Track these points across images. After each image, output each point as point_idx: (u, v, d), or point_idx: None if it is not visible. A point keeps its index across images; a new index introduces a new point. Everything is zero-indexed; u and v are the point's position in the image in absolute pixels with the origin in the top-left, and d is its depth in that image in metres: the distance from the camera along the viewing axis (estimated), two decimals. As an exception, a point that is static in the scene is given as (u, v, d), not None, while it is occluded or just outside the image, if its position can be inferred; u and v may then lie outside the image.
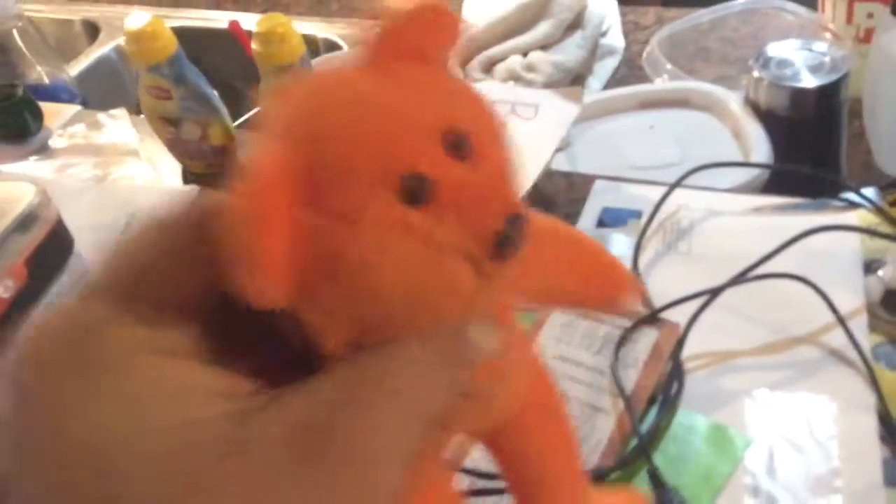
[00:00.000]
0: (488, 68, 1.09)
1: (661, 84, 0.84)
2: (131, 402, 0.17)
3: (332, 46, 1.25)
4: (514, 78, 1.03)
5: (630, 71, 1.06)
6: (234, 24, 0.75)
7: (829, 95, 0.72)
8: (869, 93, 0.82)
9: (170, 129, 0.70)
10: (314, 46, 1.30)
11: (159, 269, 0.19)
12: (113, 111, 0.81)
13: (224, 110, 0.71)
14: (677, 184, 0.61)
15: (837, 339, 0.51)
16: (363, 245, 0.18)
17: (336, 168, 0.18)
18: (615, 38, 1.15)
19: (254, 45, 0.62)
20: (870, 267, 0.54)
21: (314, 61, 0.95)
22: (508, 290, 0.22)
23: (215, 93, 0.71)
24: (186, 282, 0.19)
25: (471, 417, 0.24)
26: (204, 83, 0.69)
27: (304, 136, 0.18)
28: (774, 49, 0.74)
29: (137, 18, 0.65)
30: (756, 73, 0.73)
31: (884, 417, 0.47)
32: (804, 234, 0.52)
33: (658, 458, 0.46)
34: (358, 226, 0.18)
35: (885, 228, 0.56)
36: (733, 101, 0.75)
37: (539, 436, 0.27)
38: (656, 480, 0.45)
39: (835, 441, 0.46)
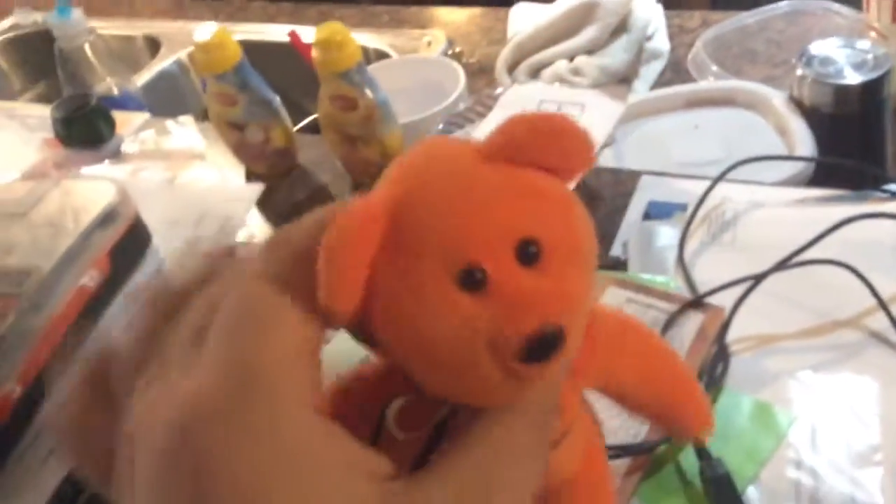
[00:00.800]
0: (535, 73, 1.11)
1: (705, 83, 0.86)
2: (287, 464, 0.20)
3: (381, 55, 1.30)
4: (561, 81, 1.06)
5: (676, 74, 1.08)
6: (293, 34, 0.79)
7: (872, 92, 0.73)
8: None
9: (235, 133, 0.75)
10: (365, 56, 1.34)
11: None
12: (181, 118, 0.86)
13: (285, 114, 0.75)
14: (721, 177, 0.63)
15: (879, 322, 0.52)
16: (416, 306, 0.21)
17: (418, 238, 0.21)
18: (661, 42, 1.17)
19: (314, 53, 0.66)
20: (912, 254, 0.56)
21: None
22: (577, 381, 0.26)
23: (277, 98, 0.75)
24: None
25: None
26: (266, 89, 0.73)
27: (408, 200, 0.22)
28: (818, 47, 0.76)
29: (204, 30, 0.69)
30: (800, 71, 0.75)
31: (925, 396, 0.48)
32: (845, 222, 0.54)
33: (704, 435, 0.48)
34: (417, 289, 0.21)
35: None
36: (777, 98, 0.77)
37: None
38: (701, 451, 0.47)
39: (876, 418, 0.47)
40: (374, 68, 0.94)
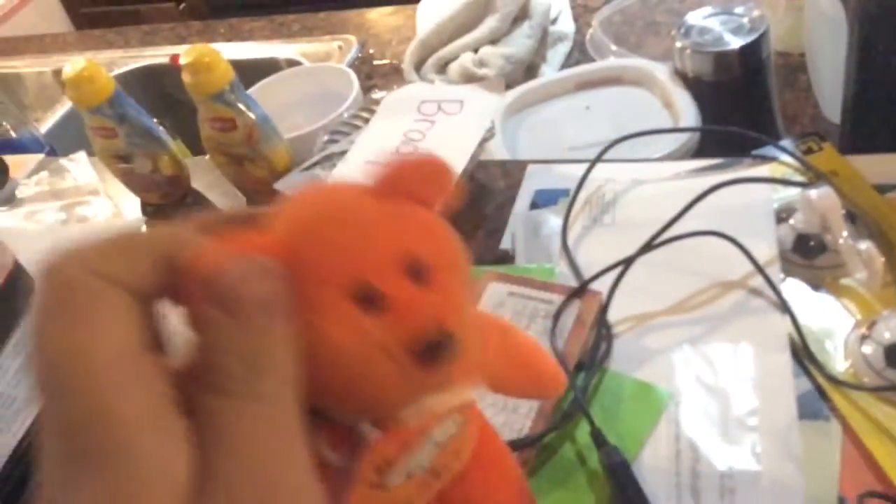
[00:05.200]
0: (442, 68, 1.11)
1: (593, 64, 0.86)
2: None
3: (294, 65, 1.29)
4: (467, 75, 1.05)
5: (583, 55, 1.08)
6: (174, 58, 0.78)
7: (750, 55, 0.74)
8: (809, 47, 0.84)
9: (122, 165, 0.73)
10: (277, 67, 1.34)
11: None
12: (73, 155, 0.84)
13: (170, 141, 0.74)
14: (598, 158, 0.63)
15: (755, 287, 0.53)
16: (316, 330, 0.23)
17: (311, 267, 0.23)
18: (565, 24, 1.17)
19: (184, 77, 0.65)
20: (783, 216, 0.56)
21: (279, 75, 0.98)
22: (463, 378, 0.29)
23: (159, 126, 0.74)
24: None
25: (433, 489, 0.31)
26: (146, 118, 0.72)
27: (299, 236, 0.24)
28: (694, 17, 0.76)
29: (74, 64, 0.68)
30: (679, 43, 0.75)
31: (799, 353, 0.49)
32: (710, 191, 0.54)
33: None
34: (316, 315, 0.23)
35: (799, 177, 0.58)
36: (661, 72, 0.77)
37: (482, 483, 0.34)
38: (598, 438, 0.47)
39: (751, 383, 0.48)
40: (269, 82, 0.93)
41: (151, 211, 0.77)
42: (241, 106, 0.67)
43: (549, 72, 1.08)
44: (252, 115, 0.68)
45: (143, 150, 0.72)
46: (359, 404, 0.25)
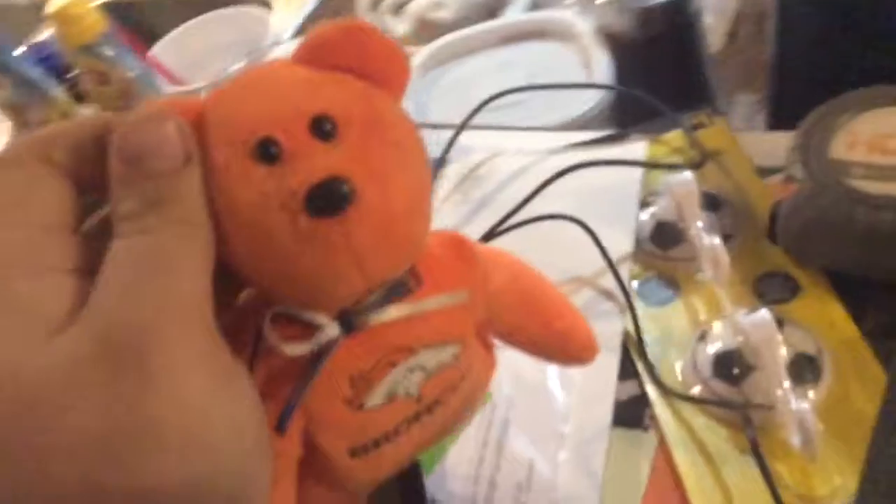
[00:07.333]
0: (397, 10, 1.06)
1: (520, 16, 0.81)
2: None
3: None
4: (423, 19, 1.00)
5: (548, -1, 1.01)
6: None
7: (677, 11, 0.68)
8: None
9: (18, 116, 0.71)
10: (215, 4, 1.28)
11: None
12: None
13: (61, 93, 0.71)
14: (463, 125, 0.59)
15: (603, 280, 0.49)
16: (215, 183, 0.22)
17: (219, 124, 0.23)
18: (533, -37, 1.10)
19: (52, 26, 0.62)
20: (649, 200, 0.52)
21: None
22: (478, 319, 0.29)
23: (47, 77, 0.71)
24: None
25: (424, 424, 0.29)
26: (31, 68, 0.69)
27: (214, 98, 0.24)
28: (619, -31, 0.70)
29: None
30: (601, -3, 0.69)
31: (634, 354, 0.45)
32: (563, 172, 0.50)
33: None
34: (217, 170, 0.23)
35: (676, 156, 0.53)
36: (583, 28, 0.72)
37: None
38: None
39: (576, 385, 0.45)
40: (197, 23, 0.89)
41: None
42: (113, 59, 0.64)
43: (514, 13, 1.02)
44: (127, 70, 0.64)
45: (36, 102, 0.70)
46: (274, 274, 0.23)
